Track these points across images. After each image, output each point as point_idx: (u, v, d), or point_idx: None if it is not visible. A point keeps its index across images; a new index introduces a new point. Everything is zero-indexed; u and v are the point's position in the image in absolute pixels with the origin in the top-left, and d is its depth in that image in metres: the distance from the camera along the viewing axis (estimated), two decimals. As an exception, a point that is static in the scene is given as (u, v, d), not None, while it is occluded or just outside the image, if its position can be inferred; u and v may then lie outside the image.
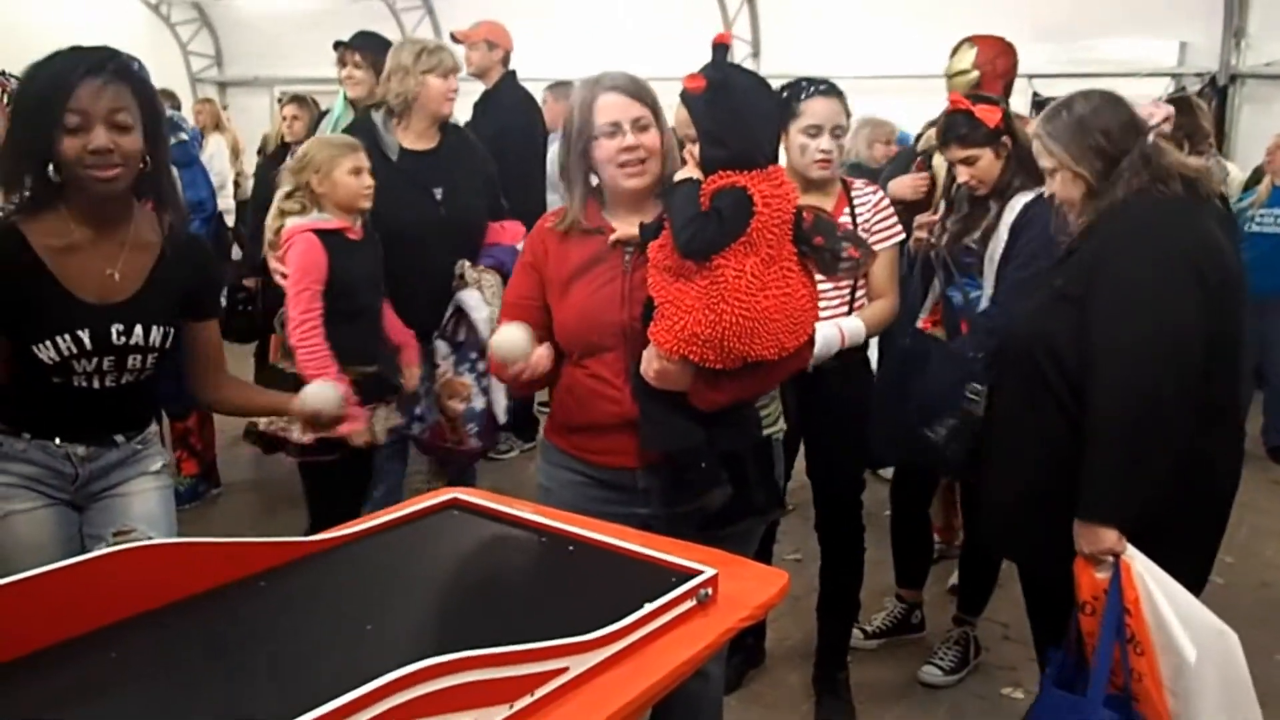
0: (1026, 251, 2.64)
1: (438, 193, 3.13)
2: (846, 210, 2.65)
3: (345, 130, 3.32)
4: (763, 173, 1.83)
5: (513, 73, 4.62)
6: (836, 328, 2.59)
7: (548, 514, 1.85)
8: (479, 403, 3.13)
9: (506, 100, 4.58)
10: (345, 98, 4.15)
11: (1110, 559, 1.99)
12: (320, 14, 12.93)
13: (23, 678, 1.29)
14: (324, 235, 2.77)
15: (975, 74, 3.45)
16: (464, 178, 3.20)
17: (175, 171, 4.10)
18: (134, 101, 1.87)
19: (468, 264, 3.14)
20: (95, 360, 1.95)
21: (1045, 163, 2.18)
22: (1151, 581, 1.94)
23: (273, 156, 5.34)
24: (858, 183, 2.72)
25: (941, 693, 3.02)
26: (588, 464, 2.07)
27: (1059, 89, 11.79)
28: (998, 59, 3.43)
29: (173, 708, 1.24)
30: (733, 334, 1.80)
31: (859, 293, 2.68)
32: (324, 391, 2.22)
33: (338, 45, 3.98)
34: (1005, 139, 2.73)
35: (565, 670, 1.32)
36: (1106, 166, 2.10)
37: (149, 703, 1.26)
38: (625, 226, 2.00)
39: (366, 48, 3.89)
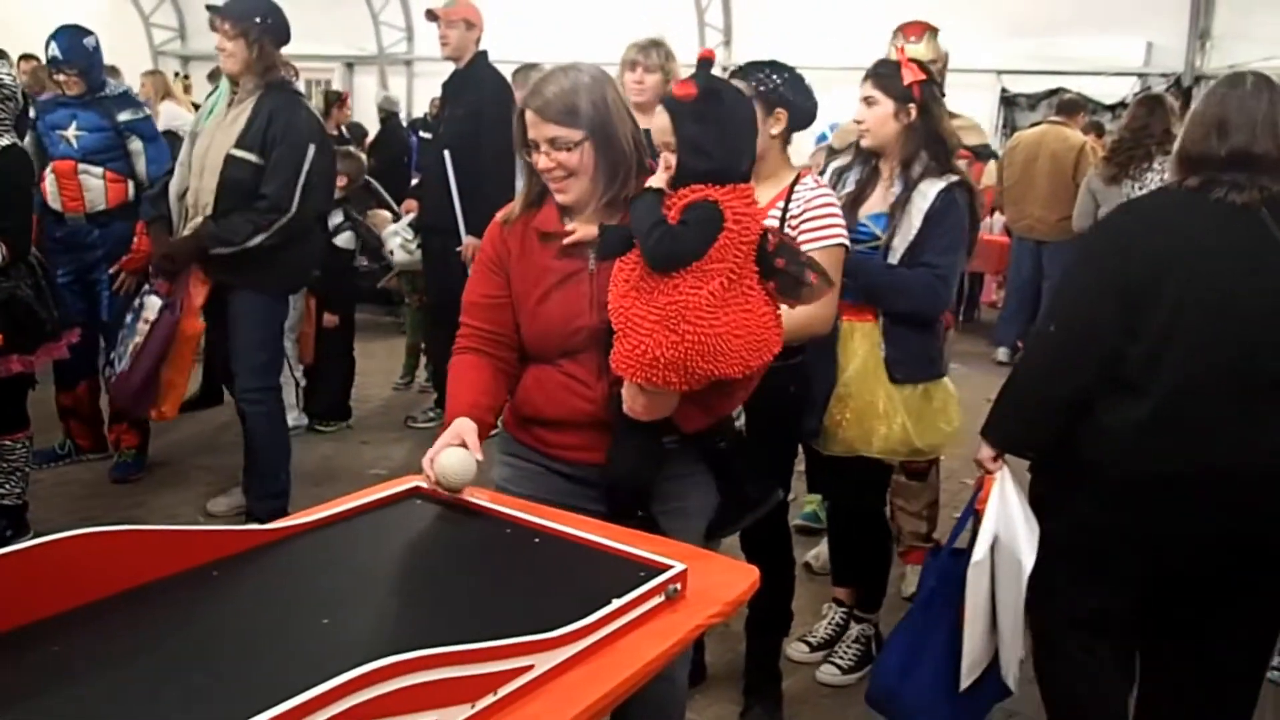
0: (943, 244, 2.66)
1: None
2: (780, 204, 2.52)
3: None
4: (735, 189, 1.78)
5: (484, 52, 4.54)
6: None
7: (513, 505, 1.80)
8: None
9: (480, 80, 4.50)
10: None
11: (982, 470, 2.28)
12: (287, -11, 12.71)
13: (-43, 671, 1.23)
14: None
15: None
16: None
17: (140, 145, 4.08)
18: None
19: None
20: None
21: None
22: (998, 497, 2.24)
23: None
24: (808, 177, 2.58)
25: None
26: (549, 457, 2.02)
27: (1027, 85, 11.85)
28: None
29: (117, 706, 1.18)
30: (695, 354, 1.73)
31: None
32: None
33: (209, 8, 3.51)
34: (912, 107, 2.71)
35: (530, 668, 1.28)
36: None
37: (91, 700, 1.20)
38: (584, 228, 1.94)
39: (234, 15, 3.44)
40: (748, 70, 2.56)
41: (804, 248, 2.42)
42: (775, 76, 2.52)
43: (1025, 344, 2.35)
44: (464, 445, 1.85)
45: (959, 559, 2.31)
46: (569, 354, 1.95)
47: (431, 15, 4.47)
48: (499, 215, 2.05)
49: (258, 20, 3.45)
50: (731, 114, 1.81)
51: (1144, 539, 2.09)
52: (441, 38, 4.44)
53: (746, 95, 1.95)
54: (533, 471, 2.03)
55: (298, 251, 3.71)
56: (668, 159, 1.80)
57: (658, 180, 1.82)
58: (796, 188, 2.53)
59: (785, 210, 2.51)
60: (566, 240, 1.94)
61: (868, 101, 2.75)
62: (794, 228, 2.48)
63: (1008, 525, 2.21)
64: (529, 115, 1.90)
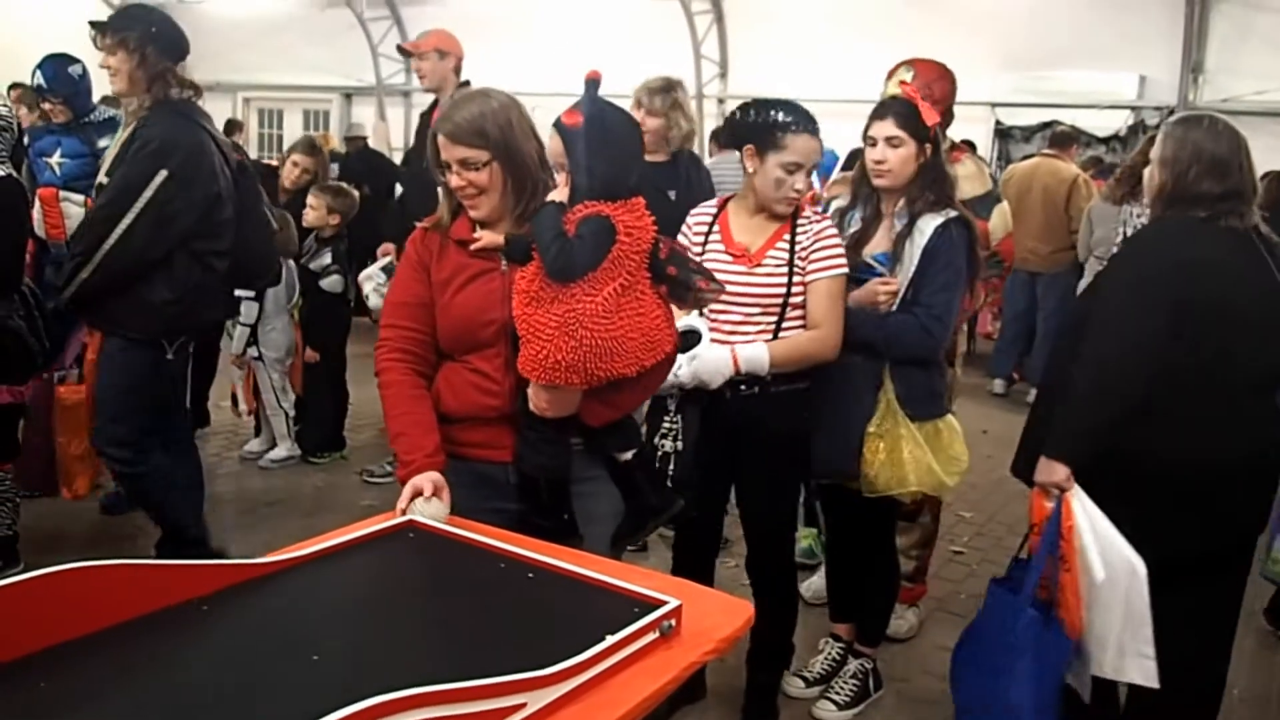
0: (938, 283, 2.67)
1: (671, 194, 3.74)
2: (786, 237, 2.57)
3: None
4: (625, 204, 1.94)
5: (467, 82, 4.30)
6: (730, 351, 2.52)
7: (507, 538, 1.79)
8: None
9: None
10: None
11: (1056, 491, 2.37)
12: (288, 19, 12.77)
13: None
14: None
15: None
16: (695, 182, 3.93)
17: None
18: None
19: None
20: None
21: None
22: (1083, 514, 2.33)
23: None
24: (808, 210, 2.62)
25: None
26: (460, 459, 2.08)
27: (1022, 118, 11.90)
28: (934, 84, 3.37)
29: (102, 743, 1.16)
30: (593, 356, 1.88)
31: (787, 323, 2.57)
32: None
33: (92, 24, 3.25)
34: (928, 146, 2.73)
35: (522, 706, 1.26)
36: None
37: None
38: (489, 235, 2.08)
39: (113, 26, 3.20)
40: (810, 125, 2.55)
41: (814, 278, 2.56)
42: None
43: (1045, 369, 2.59)
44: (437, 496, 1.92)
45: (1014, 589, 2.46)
46: (477, 348, 2.07)
47: (404, 52, 4.41)
48: (423, 223, 2.17)
49: (138, 32, 3.17)
50: (617, 137, 1.98)
51: (1149, 525, 2.30)
52: (416, 70, 4.31)
53: (630, 119, 2.06)
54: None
55: (164, 291, 3.18)
56: (564, 179, 1.99)
57: (559, 194, 1.97)
58: (799, 220, 2.59)
59: (793, 241, 2.56)
60: (473, 246, 2.08)
61: (892, 143, 2.71)
62: (804, 259, 2.55)
63: (1106, 534, 2.32)
64: (440, 139, 2.03)
